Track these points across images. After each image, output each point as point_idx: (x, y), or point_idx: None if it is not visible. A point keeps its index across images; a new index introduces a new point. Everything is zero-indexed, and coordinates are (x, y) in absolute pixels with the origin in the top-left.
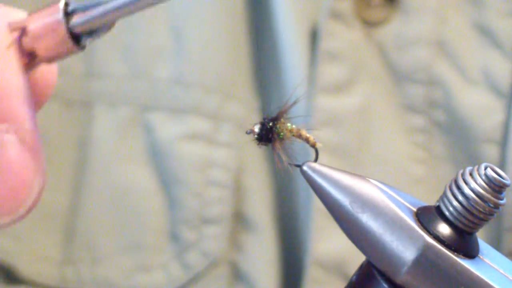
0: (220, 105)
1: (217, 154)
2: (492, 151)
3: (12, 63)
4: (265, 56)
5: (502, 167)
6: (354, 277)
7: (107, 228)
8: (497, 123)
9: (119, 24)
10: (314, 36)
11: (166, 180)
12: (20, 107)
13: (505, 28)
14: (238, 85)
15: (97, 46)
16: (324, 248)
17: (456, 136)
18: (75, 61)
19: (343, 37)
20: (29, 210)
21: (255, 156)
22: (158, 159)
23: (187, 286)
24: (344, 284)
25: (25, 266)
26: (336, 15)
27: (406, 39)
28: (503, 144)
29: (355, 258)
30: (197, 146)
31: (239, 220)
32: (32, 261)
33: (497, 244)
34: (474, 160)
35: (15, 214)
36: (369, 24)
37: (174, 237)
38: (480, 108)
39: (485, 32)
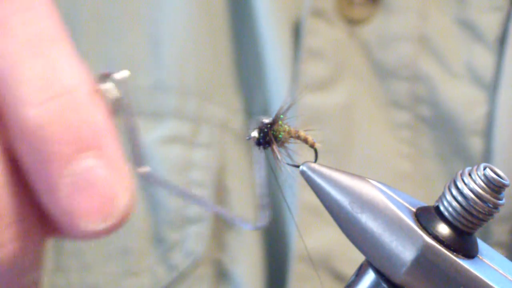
0: (200, 107)
1: (197, 155)
2: (477, 143)
3: (98, 104)
4: (247, 55)
5: (488, 158)
6: (353, 277)
7: None
8: (482, 115)
9: (98, 38)
10: (296, 34)
11: (147, 183)
12: (107, 139)
13: (487, 22)
14: (219, 86)
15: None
16: (308, 243)
17: (441, 130)
18: None
19: (325, 35)
20: (120, 221)
21: (237, 156)
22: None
23: (172, 286)
24: (329, 278)
25: None
26: (318, 13)
27: (389, 36)
28: (488, 135)
29: (340, 253)
30: (177, 148)
31: (222, 219)
32: None
33: (485, 234)
34: (460, 153)
35: (106, 221)
36: (351, 22)
37: (158, 239)
38: (464, 101)
39: (468, 27)
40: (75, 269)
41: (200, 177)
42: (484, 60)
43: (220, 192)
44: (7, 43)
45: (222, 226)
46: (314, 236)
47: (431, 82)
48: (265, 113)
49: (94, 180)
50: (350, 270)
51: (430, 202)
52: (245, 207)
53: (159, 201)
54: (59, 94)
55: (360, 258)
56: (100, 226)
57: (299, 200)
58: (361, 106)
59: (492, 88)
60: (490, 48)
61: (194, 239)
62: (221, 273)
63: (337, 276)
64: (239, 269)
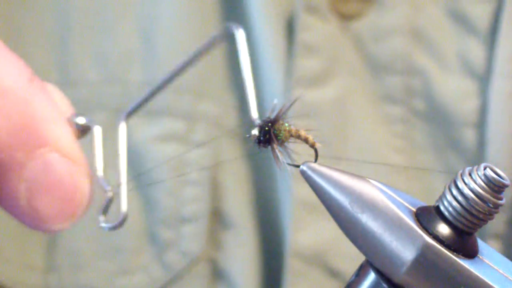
0: (193, 105)
1: (192, 153)
2: (471, 135)
3: (40, 94)
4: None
5: (481, 149)
6: (354, 277)
7: (87, 233)
8: (475, 106)
9: (91, 32)
10: (290, 29)
11: (142, 182)
12: (56, 129)
13: (479, 14)
14: (212, 84)
15: (69, 54)
16: (303, 239)
17: (435, 123)
18: (50, 70)
19: (319, 30)
20: (85, 210)
21: (231, 153)
22: (133, 161)
23: (168, 286)
24: (324, 274)
25: (8, 276)
26: (311, 9)
27: (382, 31)
28: (481, 127)
29: (335, 249)
30: (172, 146)
31: (217, 218)
32: (16, 270)
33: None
34: (454, 145)
35: (72, 219)
36: (345, 17)
37: (153, 238)
38: (457, 93)
39: (460, 19)
40: (68, 268)
41: (195, 175)
42: (476, 51)
43: (216, 190)
44: None
45: (217, 224)
46: (308, 232)
47: (424, 75)
48: (259, 108)
49: (53, 179)
50: (345, 266)
51: (424, 195)
52: (240, 204)
53: (153, 200)
54: None
55: (355, 254)
56: (66, 224)
57: (293, 195)
58: (355, 101)
59: (485, 79)
60: (482, 40)
61: (189, 239)
62: (217, 272)
63: (332, 272)
64: (235, 267)
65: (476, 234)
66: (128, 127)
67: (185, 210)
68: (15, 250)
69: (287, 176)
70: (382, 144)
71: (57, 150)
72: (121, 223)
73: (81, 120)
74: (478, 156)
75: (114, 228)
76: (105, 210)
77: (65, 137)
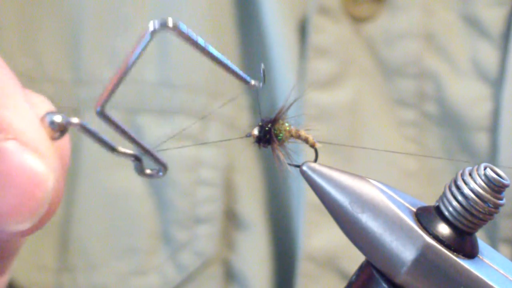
0: (207, 105)
1: (206, 153)
2: (484, 139)
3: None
4: (254, 53)
5: (494, 153)
6: (354, 277)
7: (101, 234)
8: (487, 110)
9: (104, 30)
10: (303, 31)
11: (156, 182)
12: (16, 116)
13: (491, 18)
14: (226, 84)
15: (83, 53)
16: (315, 242)
17: (448, 127)
18: (63, 69)
19: (331, 32)
20: (50, 210)
21: (245, 154)
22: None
23: (181, 287)
24: (336, 277)
25: (22, 276)
26: (324, 11)
27: (395, 34)
28: (493, 131)
29: (347, 252)
30: (186, 144)
31: (231, 219)
32: (29, 271)
33: (492, 230)
34: (467, 150)
35: (34, 217)
36: (357, 19)
37: (167, 238)
38: (470, 97)
39: (472, 23)
40: (81, 268)
41: (210, 176)
42: (489, 56)
43: (229, 190)
44: None
45: (230, 225)
46: (321, 235)
47: (437, 79)
48: (272, 110)
49: (7, 169)
50: None
51: (436, 200)
52: (254, 206)
53: (168, 200)
54: None
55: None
56: (25, 225)
57: (306, 199)
58: (367, 104)
59: (497, 83)
60: (495, 44)
61: (204, 240)
62: (230, 273)
63: (344, 275)
64: (248, 268)
65: (485, 238)
66: (141, 125)
67: (199, 211)
68: (29, 250)
69: (299, 179)
70: (394, 147)
71: (15, 137)
72: (160, 171)
73: (58, 119)
74: (490, 160)
75: (158, 175)
76: (139, 170)
77: (28, 125)
